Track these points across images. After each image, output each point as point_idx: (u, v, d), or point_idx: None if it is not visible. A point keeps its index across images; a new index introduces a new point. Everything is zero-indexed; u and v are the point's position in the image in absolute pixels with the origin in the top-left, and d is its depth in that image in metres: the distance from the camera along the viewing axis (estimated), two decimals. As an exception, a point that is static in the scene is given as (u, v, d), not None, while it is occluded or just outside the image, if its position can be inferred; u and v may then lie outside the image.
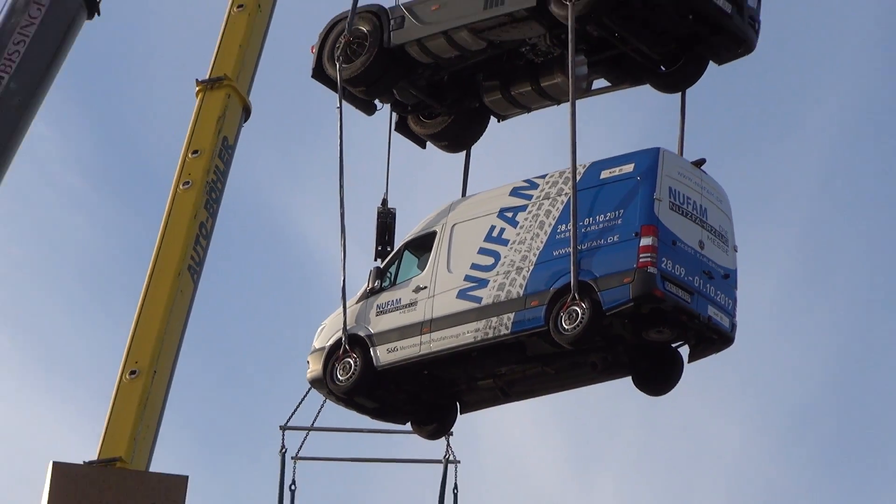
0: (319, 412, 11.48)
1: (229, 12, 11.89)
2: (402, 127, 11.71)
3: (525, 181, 10.29)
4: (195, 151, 10.87)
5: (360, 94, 11.14)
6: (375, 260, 10.96)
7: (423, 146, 12.15)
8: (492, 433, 14.73)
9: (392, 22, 10.91)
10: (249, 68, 11.89)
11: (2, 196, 10.05)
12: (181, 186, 10.78)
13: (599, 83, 11.08)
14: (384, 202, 11.15)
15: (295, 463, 11.89)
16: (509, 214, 10.19)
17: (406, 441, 11.26)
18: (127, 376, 9.87)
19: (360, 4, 10.92)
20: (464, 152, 11.89)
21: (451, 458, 11.96)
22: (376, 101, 11.43)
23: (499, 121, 11.80)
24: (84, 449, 9.86)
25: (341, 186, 10.51)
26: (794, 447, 23.42)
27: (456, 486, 11.88)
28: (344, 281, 10.46)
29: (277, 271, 25.21)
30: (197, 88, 11.38)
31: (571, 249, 9.17)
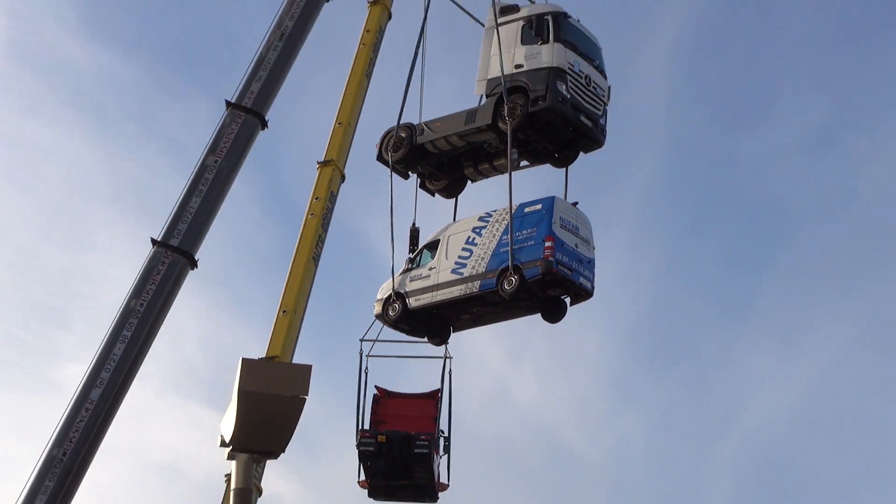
0: (380, 332, 15.42)
1: (334, 126, 15.68)
2: (422, 185, 16.06)
3: (486, 213, 14.73)
4: (317, 198, 14.96)
5: (401, 168, 15.62)
6: (409, 254, 15.38)
7: (433, 195, 16.39)
8: (469, 343, 19.76)
9: (417, 131, 15.25)
10: (344, 154, 15.65)
11: (218, 221, 14.62)
12: (309, 216, 14.84)
13: (524, 163, 15.51)
14: (413, 224, 15.55)
15: (367, 359, 15.39)
16: (477, 230, 14.62)
17: (423, 346, 15.76)
18: (281, 313, 14.13)
19: (401, 122, 15.34)
20: (454, 199, 16.47)
21: (448, 355, 15.49)
22: (409, 172, 15.88)
23: (472, 182, 16.23)
24: (258, 352, 13.68)
25: (391, 214, 15.10)
26: (625, 348, 40.24)
27: (451, 372, 15.48)
28: (392, 265, 15.04)
29: (356, 260, 36.39)
30: (317, 165, 15.41)
31: (510, 248, 13.63)
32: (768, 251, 44.22)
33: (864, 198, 40.82)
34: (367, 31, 16.49)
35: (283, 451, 9.30)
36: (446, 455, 15.12)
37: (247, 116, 14.79)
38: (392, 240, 15.06)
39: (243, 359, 9.21)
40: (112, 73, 45.41)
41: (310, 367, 9.87)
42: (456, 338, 15.55)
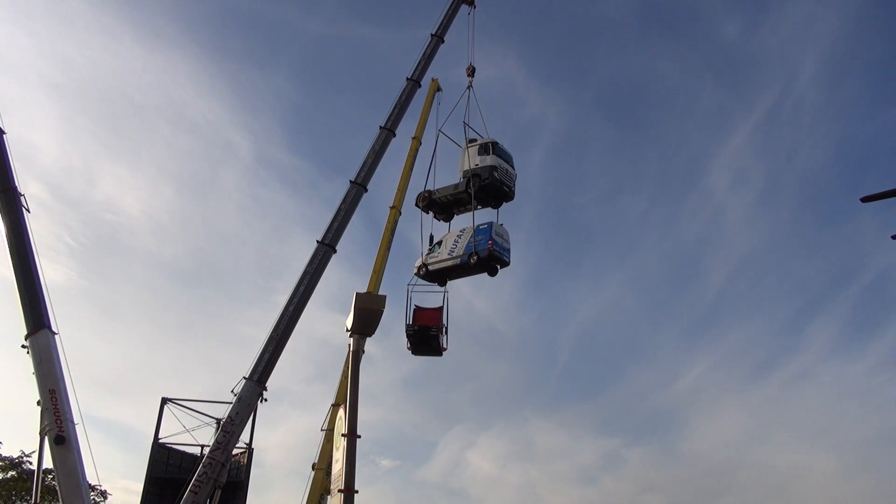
0: (415, 281, 29.26)
1: (393, 224, 32.06)
2: (434, 216, 30.75)
3: (461, 229, 29.82)
4: (394, 222, 31.68)
5: (426, 209, 30.57)
6: (429, 246, 29.96)
7: (440, 221, 31.07)
8: (455, 286, 31.90)
9: (433, 193, 30.32)
10: (400, 200, 31.49)
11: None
12: (389, 232, 31.65)
13: (479, 207, 29.79)
14: (431, 233, 30.63)
15: (411, 292, 28.25)
16: (459, 235, 29.58)
17: (436, 288, 29.99)
18: (373, 273, 30.64)
19: (427, 188, 29.93)
20: (448, 222, 31.10)
21: (446, 290, 28.43)
22: (429, 211, 30.43)
23: (457, 215, 30.90)
24: (363, 288, 29.37)
25: (421, 230, 30.72)
26: (523, 281, 68.12)
27: (447, 299, 28.76)
28: (422, 250, 30.04)
29: (407, 249, 49.81)
30: (390, 206, 31.89)
31: (473, 243, 28.98)
32: (575, 252, 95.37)
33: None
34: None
35: (373, 334, 15.12)
36: (446, 335, 29.13)
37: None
38: (422, 241, 30.95)
39: (357, 292, 15.52)
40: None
41: (385, 296, 16.09)
42: (449, 284, 30.79)
